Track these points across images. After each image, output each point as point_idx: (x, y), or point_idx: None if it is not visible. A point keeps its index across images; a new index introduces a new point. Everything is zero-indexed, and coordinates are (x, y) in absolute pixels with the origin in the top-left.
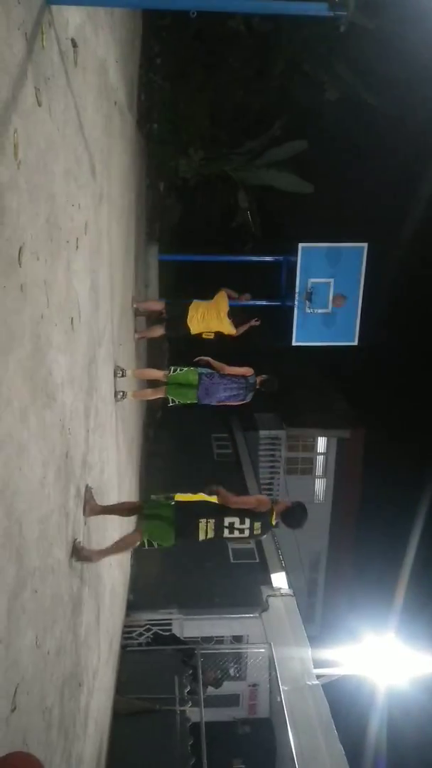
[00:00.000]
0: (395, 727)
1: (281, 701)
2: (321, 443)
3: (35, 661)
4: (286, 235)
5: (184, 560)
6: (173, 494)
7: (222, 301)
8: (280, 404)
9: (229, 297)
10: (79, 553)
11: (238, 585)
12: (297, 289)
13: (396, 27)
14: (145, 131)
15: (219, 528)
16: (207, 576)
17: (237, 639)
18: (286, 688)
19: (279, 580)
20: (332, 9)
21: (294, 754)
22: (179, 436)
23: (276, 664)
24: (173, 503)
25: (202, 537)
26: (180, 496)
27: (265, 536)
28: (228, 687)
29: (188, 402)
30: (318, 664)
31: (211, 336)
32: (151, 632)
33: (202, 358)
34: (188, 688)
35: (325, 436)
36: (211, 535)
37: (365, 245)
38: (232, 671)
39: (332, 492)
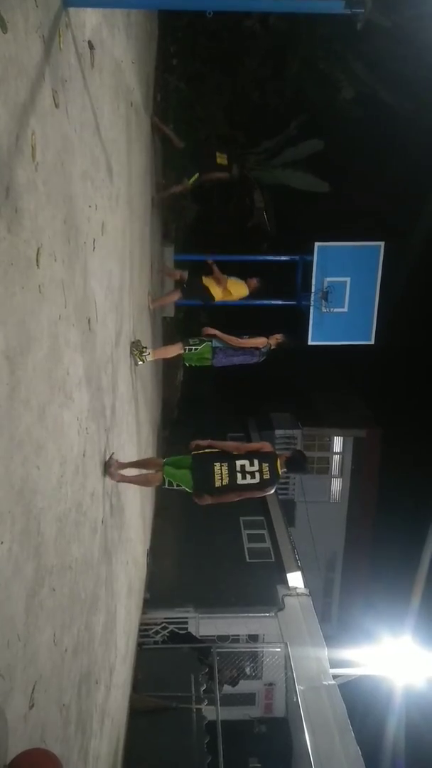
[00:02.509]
0: (413, 729)
1: (297, 701)
2: (337, 443)
3: (53, 658)
4: (302, 234)
5: (201, 559)
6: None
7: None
8: (296, 404)
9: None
10: (108, 468)
11: (254, 584)
12: (313, 289)
13: (413, 24)
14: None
15: (232, 473)
16: (223, 575)
17: (253, 638)
18: (302, 688)
19: (295, 579)
20: (349, 7)
21: (310, 754)
22: (195, 435)
23: (292, 663)
24: (191, 454)
25: (218, 483)
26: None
27: (274, 486)
28: (244, 686)
29: (205, 365)
30: (334, 664)
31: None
32: (168, 630)
33: (209, 330)
34: (204, 687)
35: (341, 435)
36: (226, 481)
37: (382, 244)
38: (248, 670)
39: (348, 491)
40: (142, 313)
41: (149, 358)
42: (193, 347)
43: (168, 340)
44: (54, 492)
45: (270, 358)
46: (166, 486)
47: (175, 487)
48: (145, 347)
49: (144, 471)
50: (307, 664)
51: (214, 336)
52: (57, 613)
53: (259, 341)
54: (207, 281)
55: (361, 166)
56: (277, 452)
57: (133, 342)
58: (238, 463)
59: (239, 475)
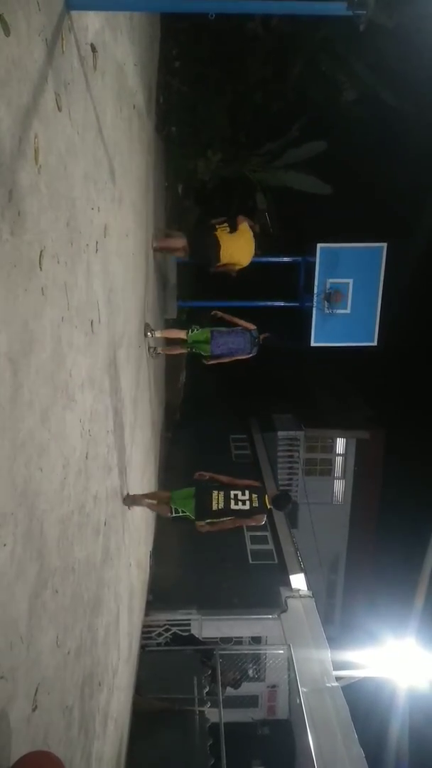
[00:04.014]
0: (416, 731)
1: (300, 703)
2: (340, 444)
3: (56, 660)
4: (304, 235)
5: (203, 561)
6: (195, 521)
7: (246, 230)
8: (298, 405)
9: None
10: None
11: (257, 586)
12: (315, 290)
13: (415, 25)
14: (164, 134)
15: (227, 499)
16: (226, 577)
17: (256, 640)
18: (305, 690)
19: (298, 581)
20: (351, 8)
21: (313, 756)
22: (197, 436)
23: (295, 665)
24: (195, 482)
25: (215, 507)
26: (200, 525)
27: (263, 516)
28: (247, 688)
29: (204, 354)
30: (337, 665)
31: (234, 270)
32: (170, 632)
33: (216, 312)
34: (207, 689)
35: (344, 437)
36: (221, 505)
37: (384, 245)
38: (251, 672)
39: (351, 493)
40: (145, 315)
41: (157, 335)
42: (196, 329)
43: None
44: (57, 494)
45: (261, 353)
46: (172, 514)
47: (180, 514)
48: (153, 329)
49: (153, 501)
50: (310, 666)
51: (220, 317)
52: (60, 615)
53: (250, 325)
54: (221, 234)
55: (363, 167)
56: (268, 490)
57: (146, 324)
58: (233, 492)
59: (232, 502)
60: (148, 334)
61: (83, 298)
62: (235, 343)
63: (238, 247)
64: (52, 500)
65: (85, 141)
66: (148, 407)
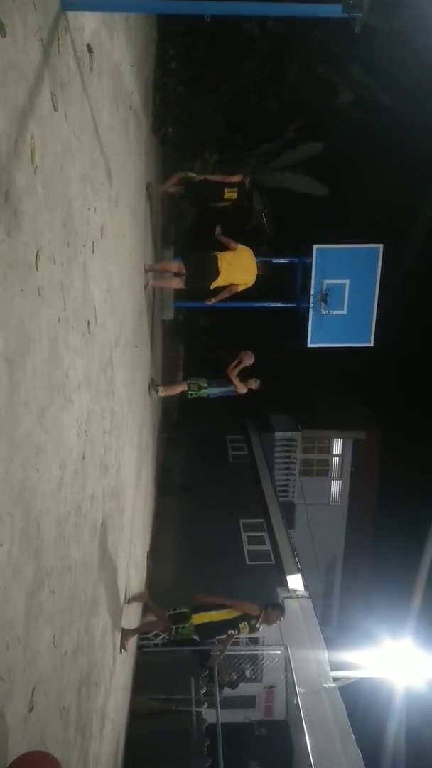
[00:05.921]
0: (414, 731)
1: (297, 703)
2: (337, 445)
3: (53, 660)
4: (300, 236)
5: (200, 561)
6: (191, 615)
7: (245, 249)
8: (295, 406)
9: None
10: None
11: (254, 587)
12: (312, 291)
13: (411, 27)
14: (161, 135)
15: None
16: (223, 577)
17: (253, 641)
18: (302, 691)
19: (295, 582)
20: (347, 10)
21: (311, 757)
22: (195, 438)
23: (292, 666)
24: (192, 625)
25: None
26: (197, 618)
27: (254, 607)
28: (244, 689)
29: (203, 396)
30: (334, 666)
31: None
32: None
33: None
34: (204, 690)
35: (340, 437)
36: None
37: (380, 246)
38: (248, 673)
39: (348, 494)
40: (141, 316)
41: (161, 393)
42: (193, 383)
43: (167, 343)
44: (53, 494)
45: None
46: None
47: (176, 612)
48: (158, 385)
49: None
50: (307, 667)
51: (230, 381)
52: (57, 616)
53: (243, 389)
54: (222, 256)
55: (359, 168)
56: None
57: (151, 379)
58: (229, 631)
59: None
60: (153, 391)
61: (80, 298)
62: (229, 392)
63: (239, 264)
64: (48, 501)
65: (82, 142)
66: (145, 408)
